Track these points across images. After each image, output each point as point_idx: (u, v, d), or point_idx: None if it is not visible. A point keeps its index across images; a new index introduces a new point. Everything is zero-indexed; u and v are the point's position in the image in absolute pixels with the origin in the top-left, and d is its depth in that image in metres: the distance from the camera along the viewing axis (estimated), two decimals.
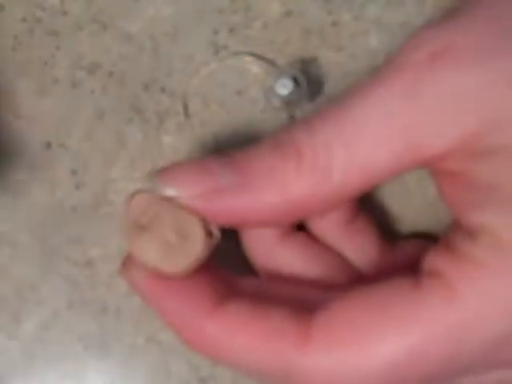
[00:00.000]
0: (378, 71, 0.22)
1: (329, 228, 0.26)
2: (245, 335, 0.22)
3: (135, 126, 0.30)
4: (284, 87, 0.27)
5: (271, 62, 0.30)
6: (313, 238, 0.27)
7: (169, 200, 0.23)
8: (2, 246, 0.30)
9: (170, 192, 0.23)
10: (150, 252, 0.23)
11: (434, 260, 0.22)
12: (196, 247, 0.23)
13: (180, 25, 0.30)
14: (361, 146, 0.22)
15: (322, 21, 0.30)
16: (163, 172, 0.23)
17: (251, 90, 0.30)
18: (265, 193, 0.22)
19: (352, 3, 0.30)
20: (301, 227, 0.27)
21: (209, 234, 0.23)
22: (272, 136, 0.23)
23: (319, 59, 0.30)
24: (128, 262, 0.24)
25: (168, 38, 0.30)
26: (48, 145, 0.30)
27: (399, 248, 0.27)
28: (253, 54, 0.30)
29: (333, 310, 0.22)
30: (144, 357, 0.29)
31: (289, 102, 0.28)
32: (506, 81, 0.21)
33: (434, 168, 0.23)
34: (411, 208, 0.29)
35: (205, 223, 0.23)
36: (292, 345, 0.22)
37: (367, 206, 0.28)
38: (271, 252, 0.26)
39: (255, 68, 0.30)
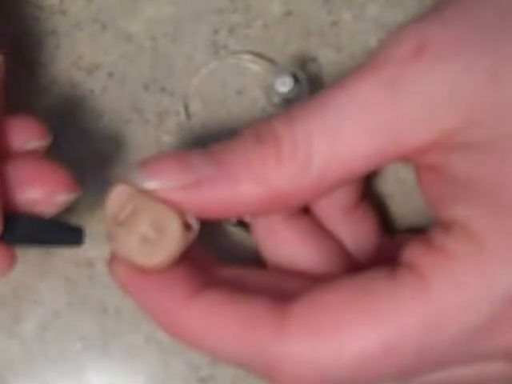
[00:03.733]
0: (360, 65, 0.22)
1: (330, 214, 0.26)
2: (220, 322, 0.22)
3: (135, 125, 0.30)
4: (284, 85, 0.27)
5: (271, 61, 0.30)
6: (315, 224, 0.27)
7: (147, 193, 0.23)
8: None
9: (149, 184, 0.23)
10: (128, 247, 0.23)
11: (410, 252, 0.22)
12: (173, 241, 0.23)
13: (180, 25, 0.30)
14: (342, 136, 0.22)
15: (322, 21, 0.30)
16: (143, 164, 0.23)
17: (251, 89, 0.30)
18: (244, 184, 0.22)
19: (352, 3, 0.30)
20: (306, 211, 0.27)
21: (187, 226, 0.23)
22: (251, 127, 0.23)
23: (319, 59, 0.30)
24: (113, 257, 0.24)
25: (168, 38, 0.30)
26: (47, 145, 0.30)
27: (397, 241, 0.27)
28: (253, 54, 0.30)
29: (311, 298, 0.22)
30: (144, 357, 0.29)
31: (289, 100, 0.28)
32: (486, 77, 0.21)
33: (415, 162, 0.23)
34: (411, 208, 0.29)
35: (182, 216, 0.23)
36: (268, 331, 0.22)
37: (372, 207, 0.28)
38: (274, 232, 0.26)
39: (255, 67, 0.30)
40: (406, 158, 0.23)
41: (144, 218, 0.23)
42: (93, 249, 0.30)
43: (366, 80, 0.22)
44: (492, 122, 0.21)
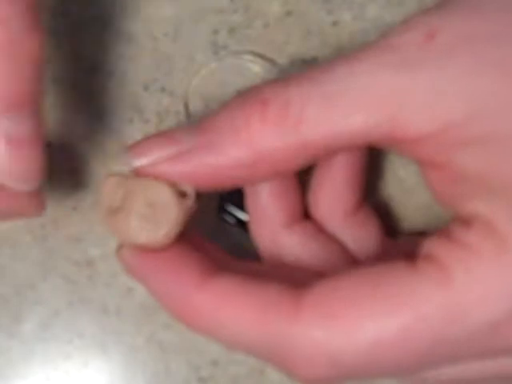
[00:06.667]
0: (367, 45, 0.22)
1: (331, 218, 0.26)
2: (235, 306, 0.22)
3: (135, 126, 0.30)
4: None
5: (271, 61, 0.30)
6: (318, 228, 0.27)
7: (136, 175, 0.23)
8: (1, 246, 0.30)
9: (136, 162, 0.23)
10: (129, 230, 0.23)
11: (430, 246, 0.22)
12: (169, 210, 0.23)
13: (180, 25, 0.30)
14: (338, 104, 0.22)
15: (322, 21, 0.30)
16: (131, 146, 0.23)
17: None
18: (228, 148, 0.22)
19: (352, 3, 0.30)
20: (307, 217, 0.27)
21: (182, 195, 0.23)
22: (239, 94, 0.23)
23: (319, 59, 0.30)
24: (119, 247, 0.24)
25: (168, 38, 0.30)
26: (48, 144, 0.30)
27: (399, 244, 0.27)
28: (253, 54, 0.30)
29: (327, 284, 0.22)
30: (144, 357, 0.29)
31: None
32: (496, 69, 0.21)
33: (412, 155, 0.23)
34: (411, 209, 0.29)
35: (174, 186, 0.23)
36: (284, 315, 0.22)
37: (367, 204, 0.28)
38: (276, 238, 0.26)
39: (255, 67, 0.30)
40: (400, 147, 0.22)
41: (137, 199, 0.23)
42: (93, 249, 0.30)
43: (373, 59, 0.22)
44: (500, 115, 0.21)
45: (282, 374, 0.29)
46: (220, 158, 0.22)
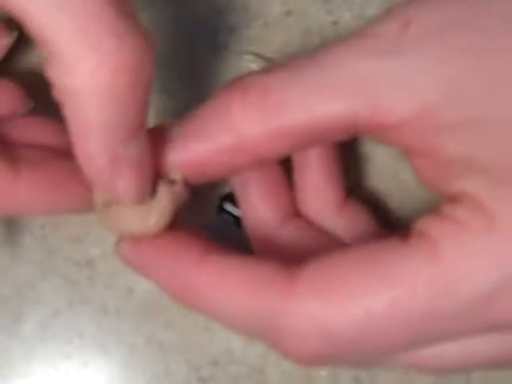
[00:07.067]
0: (349, 35, 0.23)
1: (321, 213, 0.27)
2: (230, 281, 0.23)
3: None
4: None
5: (271, 61, 0.30)
6: (310, 222, 0.27)
7: None
8: (2, 246, 0.30)
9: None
10: (123, 221, 0.24)
11: (422, 224, 0.22)
12: (159, 199, 0.24)
13: (180, 25, 0.30)
14: (318, 91, 0.22)
15: (322, 21, 0.30)
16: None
17: None
18: (211, 134, 0.23)
19: (352, 3, 0.30)
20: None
21: (170, 182, 0.24)
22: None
23: None
24: (118, 242, 0.25)
25: (168, 39, 0.30)
26: None
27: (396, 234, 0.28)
28: (253, 54, 0.30)
29: (321, 261, 0.22)
30: (144, 357, 0.29)
31: None
32: (468, 55, 0.21)
33: (394, 142, 0.23)
34: (410, 207, 0.29)
35: (163, 174, 0.24)
36: (278, 291, 0.22)
37: (366, 204, 0.28)
38: (270, 236, 0.26)
39: (255, 67, 0.30)
40: (383, 135, 0.23)
41: None
42: (93, 249, 0.30)
43: (352, 47, 0.22)
44: (475, 99, 0.21)
45: (282, 374, 0.29)
46: (203, 144, 0.23)
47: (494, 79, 0.21)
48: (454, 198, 0.22)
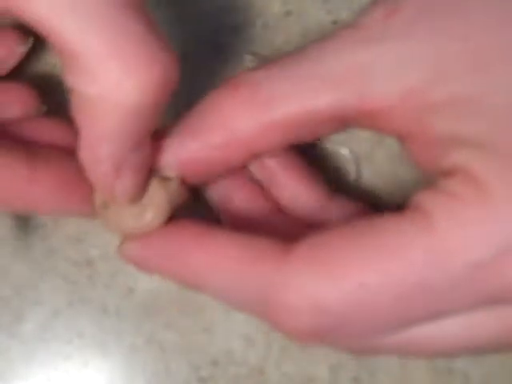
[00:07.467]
0: (339, 28, 0.24)
1: (309, 211, 0.27)
2: (227, 257, 0.23)
3: None
4: None
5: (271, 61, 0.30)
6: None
7: None
8: (2, 246, 0.30)
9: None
10: (122, 222, 0.24)
11: (417, 198, 0.23)
12: (155, 196, 0.24)
13: (180, 25, 0.30)
14: (307, 82, 0.23)
15: (322, 20, 0.30)
16: None
17: None
18: (203, 131, 0.24)
19: (352, 3, 0.30)
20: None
21: (165, 179, 0.24)
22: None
23: None
24: (120, 244, 0.25)
25: (168, 38, 0.30)
26: None
27: None
28: (253, 54, 0.30)
29: (316, 236, 0.23)
30: (144, 357, 0.29)
31: None
32: (454, 37, 0.22)
33: (386, 129, 0.23)
34: None
35: (157, 172, 0.24)
36: (271, 264, 0.22)
37: (365, 204, 0.28)
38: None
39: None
40: (373, 122, 0.23)
41: None
42: (93, 249, 0.30)
43: (340, 38, 0.23)
44: (462, 78, 0.22)
45: (282, 375, 0.29)
46: (196, 142, 0.24)
47: (478, 60, 0.22)
48: (447, 172, 0.22)
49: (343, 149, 0.29)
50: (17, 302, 0.30)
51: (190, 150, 0.24)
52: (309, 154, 0.28)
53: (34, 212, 0.26)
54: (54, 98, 0.27)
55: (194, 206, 0.26)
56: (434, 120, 0.22)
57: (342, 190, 0.28)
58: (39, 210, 0.25)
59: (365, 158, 0.30)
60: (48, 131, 0.27)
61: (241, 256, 0.23)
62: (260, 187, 0.27)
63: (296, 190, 0.26)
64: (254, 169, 0.26)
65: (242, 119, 0.23)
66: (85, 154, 0.23)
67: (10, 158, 0.24)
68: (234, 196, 0.26)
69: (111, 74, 0.20)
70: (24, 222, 0.30)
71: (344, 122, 0.24)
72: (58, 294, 0.30)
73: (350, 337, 0.23)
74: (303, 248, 0.22)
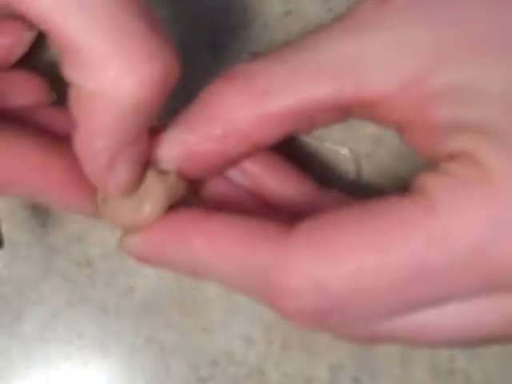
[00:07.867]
0: (328, 23, 0.24)
1: (301, 202, 0.27)
2: (227, 239, 0.23)
3: None
4: None
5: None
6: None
7: None
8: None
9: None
10: (118, 214, 0.24)
11: (419, 180, 0.22)
12: (152, 190, 0.24)
13: (180, 25, 0.30)
14: (303, 73, 0.23)
15: (322, 20, 0.30)
16: None
17: None
18: (200, 123, 0.24)
19: (351, 2, 0.30)
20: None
21: (162, 172, 0.24)
22: None
23: None
24: (120, 239, 0.25)
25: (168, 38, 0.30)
26: None
27: None
28: (253, 54, 0.30)
29: (317, 218, 0.23)
30: (144, 357, 0.29)
31: None
32: (451, 24, 0.22)
33: (392, 122, 0.23)
34: None
35: (155, 166, 0.24)
36: (271, 245, 0.22)
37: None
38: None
39: None
40: (373, 112, 0.23)
41: None
42: (93, 249, 0.30)
43: (335, 29, 0.23)
44: (460, 65, 0.22)
45: (282, 376, 0.29)
46: (194, 134, 0.24)
47: (477, 45, 0.22)
48: (450, 155, 0.22)
49: (343, 148, 0.29)
50: (17, 301, 0.30)
51: (187, 142, 0.24)
52: (309, 154, 0.28)
53: (45, 202, 0.26)
54: (63, 85, 0.27)
55: (192, 201, 0.26)
56: (435, 107, 0.22)
57: (342, 190, 0.28)
58: (50, 201, 0.25)
59: (365, 157, 0.30)
60: (63, 122, 0.27)
61: (241, 238, 0.23)
62: (247, 192, 0.27)
63: (285, 190, 0.26)
64: (239, 177, 0.26)
65: (240, 110, 0.23)
66: (81, 147, 0.23)
67: (24, 145, 0.24)
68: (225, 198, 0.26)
69: (112, 70, 0.21)
70: (24, 222, 0.30)
71: (342, 112, 0.23)
72: (58, 294, 0.30)
73: (350, 321, 0.23)
74: (303, 229, 0.22)
